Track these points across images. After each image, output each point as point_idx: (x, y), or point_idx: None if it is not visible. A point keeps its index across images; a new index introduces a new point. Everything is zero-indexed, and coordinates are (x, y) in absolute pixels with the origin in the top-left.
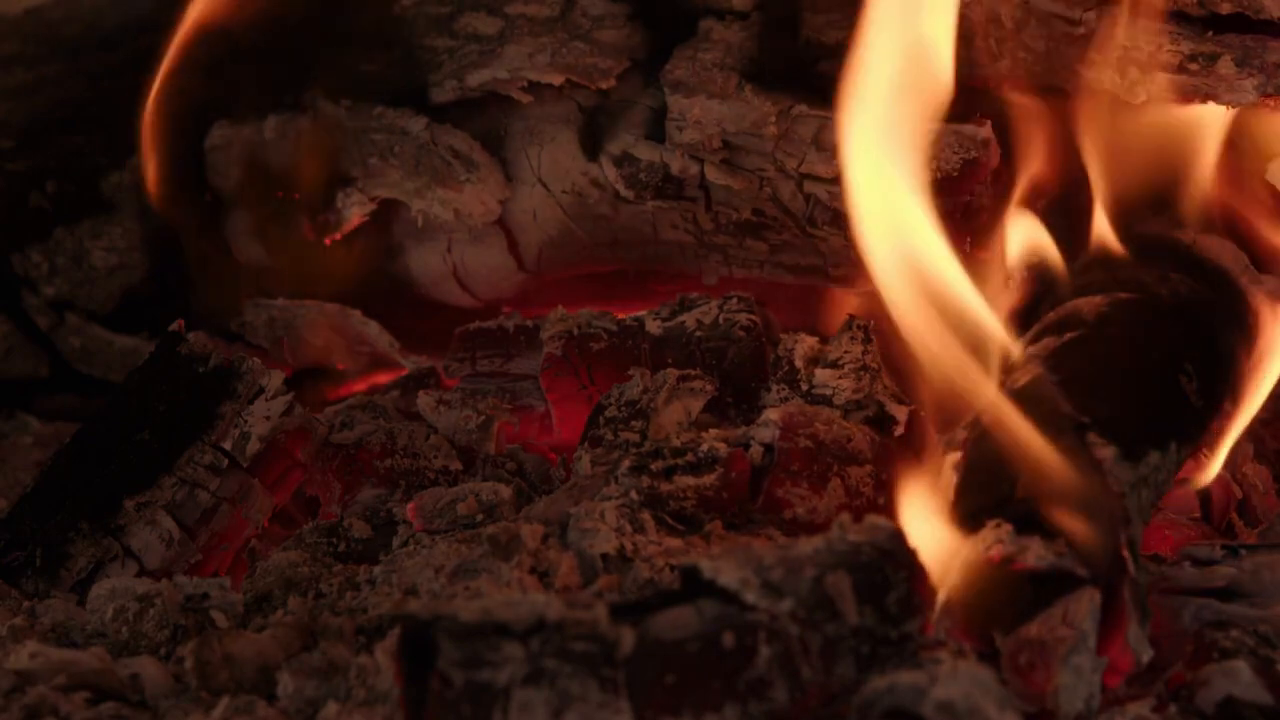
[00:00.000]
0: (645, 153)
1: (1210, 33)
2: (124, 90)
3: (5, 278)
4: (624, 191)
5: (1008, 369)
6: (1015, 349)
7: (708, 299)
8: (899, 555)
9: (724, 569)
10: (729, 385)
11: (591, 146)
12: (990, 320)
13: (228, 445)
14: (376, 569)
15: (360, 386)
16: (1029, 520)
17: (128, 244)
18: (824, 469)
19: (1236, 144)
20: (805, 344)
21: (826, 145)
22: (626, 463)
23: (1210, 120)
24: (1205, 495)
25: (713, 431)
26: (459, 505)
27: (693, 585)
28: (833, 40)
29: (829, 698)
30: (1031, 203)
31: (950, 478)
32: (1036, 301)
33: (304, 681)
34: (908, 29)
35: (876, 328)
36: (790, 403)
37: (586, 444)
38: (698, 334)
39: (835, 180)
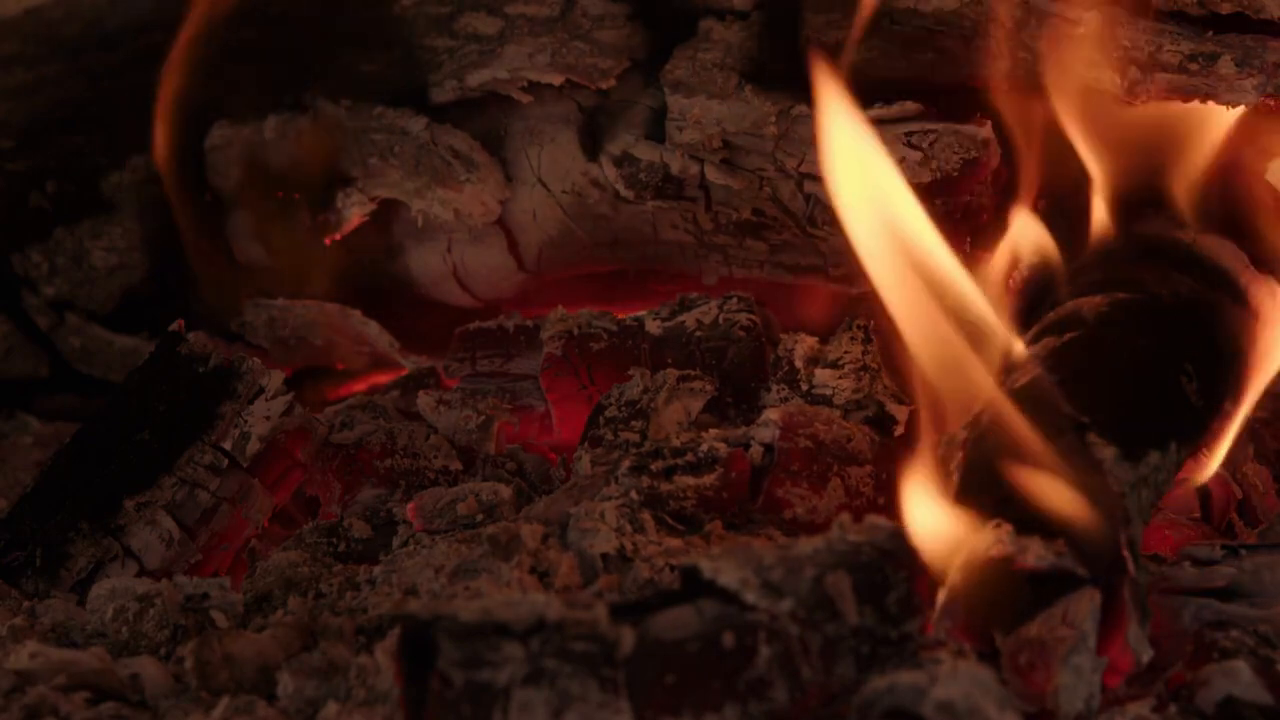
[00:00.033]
0: (645, 153)
1: (1210, 33)
2: (124, 90)
3: (5, 278)
4: (624, 191)
5: (1008, 369)
6: (1015, 349)
7: (708, 299)
8: (899, 555)
9: (724, 569)
10: (729, 385)
11: (591, 146)
12: (991, 320)
13: (228, 445)
14: (376, 569)
15: (360, 386)
16: (1029, 520)
17: (128, 244)
18: (824, 469)
19: (1236, 144)
20: (805, 344)
21: None
22: (626, 463)
23: (1210, 119)
24: (1205, 495)
25: (713, 431)
26: (459, 505)
27: (693, 585)
28: (833, 40)
29: (829, 698)
30: (1032, 203)
31: (951, 477)
32: (1036, 301)
33: (304, 681)
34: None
35: (876, 328)
36: (790, 403)
37: (586, 444)
38: (698, 334)
39: None
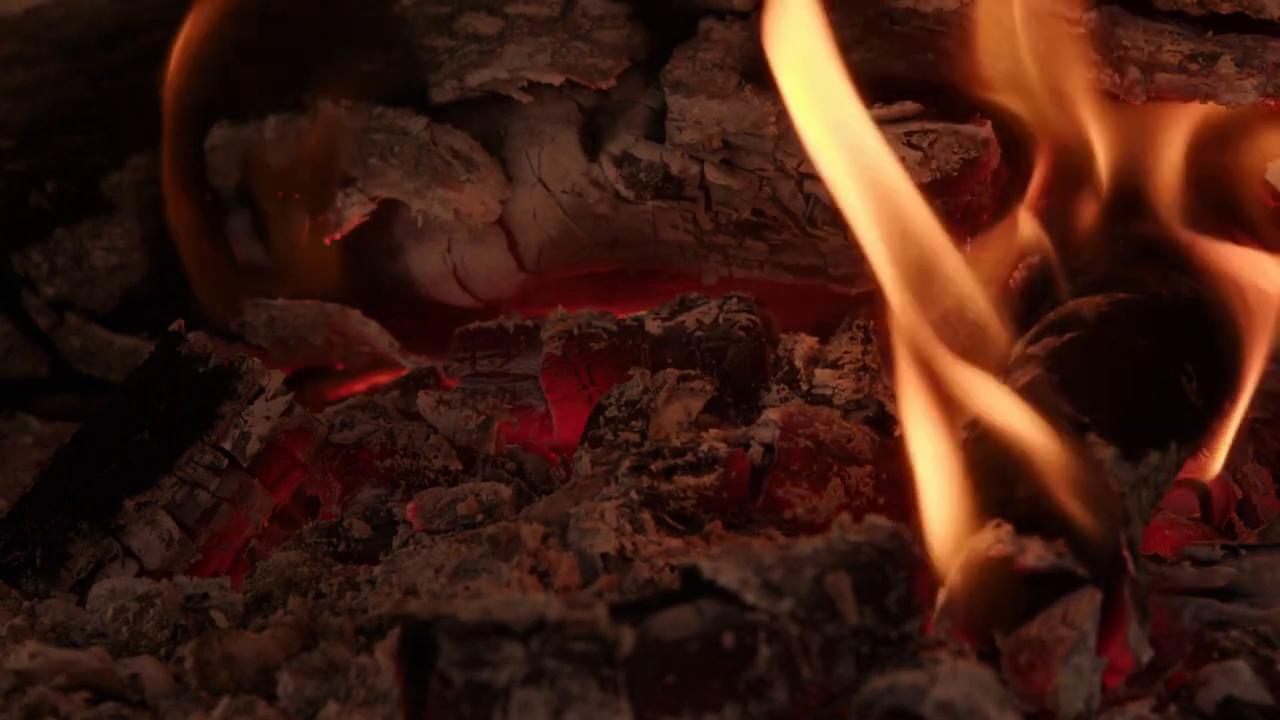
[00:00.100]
0: (645, 153)
1: (1210, 33)
2: (124, 90)
3: (5, 278)
4: (624, 191)
5: (1008, 369)
6: (1016, 348)
7: (708, 299)
8: (899, 555)
9: (724, 569)
10: (729, 385)
11: (591, 146)
12: (991, 319)
13: (228, 445)
14: (376, 569)
15: (360, 386)
16: (1029, 520)
17: (128, 244)
18: (824, 469)
19: (1236, 144)
20: (805, 344)
21: None
22: (626, 463)
23: (1209, 120)
24: (1205, 495)
25: (713, 431)
26: (459, 505)
27: (693, 585)
28: (832, 40)
29: (829, 698)
30: (1032, 203)
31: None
32: (1036, 301)
33: (304, 681)
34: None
35: (876, 328)
36: (790, 403)
37: (586, 444)
38: (698, 334)
39: None
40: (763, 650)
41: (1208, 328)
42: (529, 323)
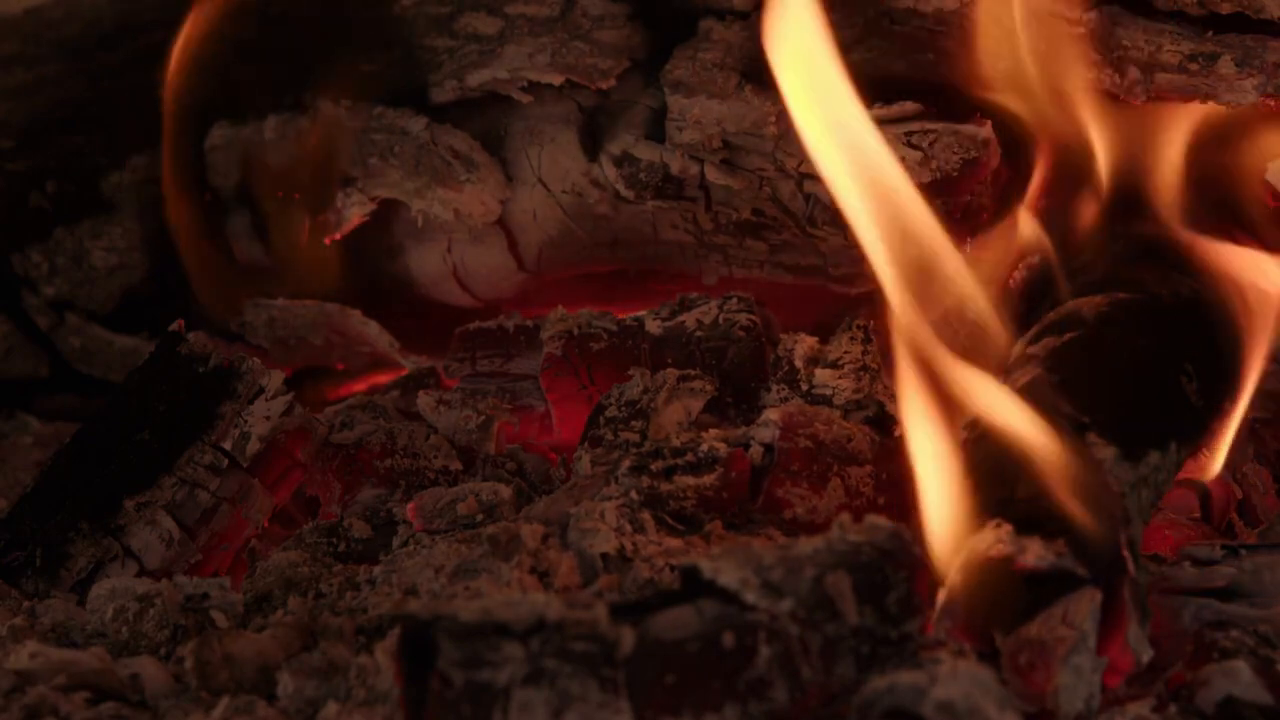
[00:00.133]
0: (645, 153)
1: (1210, 33)
2: (124, 90)
3: (5, 278)
4: (624, 191)
5: (1008, 369)
6: (1016, 348)
7: (708, 299)
8: (899, 555)
9: (724, 569)
10: (729, 385)
11: (591, 146)
12: (991, 319)
13: (228, 445)
14: (376, 569)
15: (360, 386)
16: (1029, 520)
17: (128, 244)
18: (824, 469)
19: (1236, 144)
20: (805, 344)
21: None
22: (626, 463)
23: (1209, 120)
24: (1205, 495)
25: (713, 431)
26: (459, 505)
27: (693, 585)
28: (832, 40)
29: (829, 698)
30: (1032, 203)
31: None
32: (1036, 301)
33: (304, 681)
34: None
35: (876, 328)
36: (790, 403)
37: (586, 444)
38: (698, 334)
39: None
40: (763, 650)
41: (1208, 328)
42: (529, 323)
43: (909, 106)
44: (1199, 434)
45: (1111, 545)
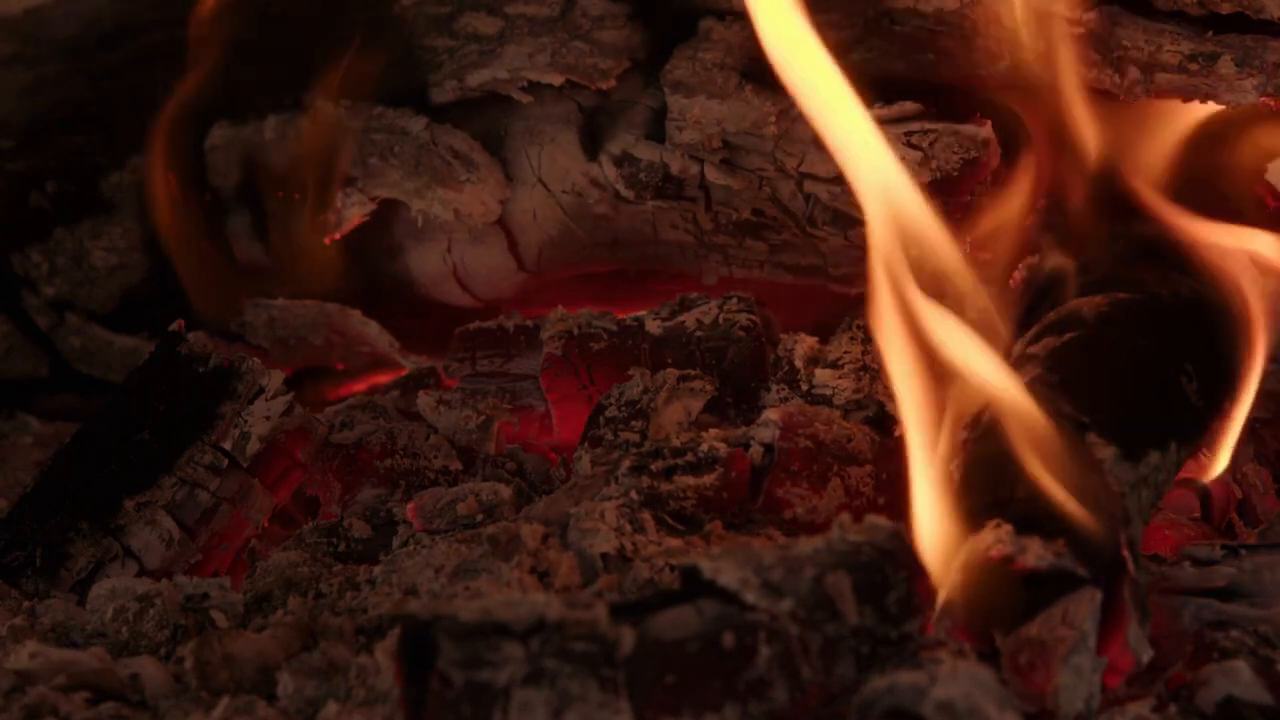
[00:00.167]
0: (645, 153)
1: (1210, 33)
2: (124, 90)
3: (5, 278)
4: (624, 191)
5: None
6: (1016, 348)
7: (708, 299)
8: (899, 555)
9: (724, 569)
10: (729, 385)
11: (591, 146)
12: (992, 319)
13: (228, 445)
14: (376, 569)
15: (360, 386)
16: (1029, 520)
17: (128, 244)
18: (824, 469)
19: (1236, 144)
20: (805, 344)
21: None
22: (626, 463)
23: (1209, 120)
24: (1205, 495)
25: (713, 431)
26: (459, 505)
27: (693, 585)
28: (832, 40)
29: (829, 698)
30: (1032, 203)
31: (952, 476)
32: (1037, 301)
33: (304, 681)
34: None
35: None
36: (790, 403)
37: (586, 444)
38: (698, 334)
39: (835, 180)
40: (763, 650)
41: (1208, 328)
42: (529, 323)
43: (909, 106)
44: (1199, 434)
45: (1111, 545)
